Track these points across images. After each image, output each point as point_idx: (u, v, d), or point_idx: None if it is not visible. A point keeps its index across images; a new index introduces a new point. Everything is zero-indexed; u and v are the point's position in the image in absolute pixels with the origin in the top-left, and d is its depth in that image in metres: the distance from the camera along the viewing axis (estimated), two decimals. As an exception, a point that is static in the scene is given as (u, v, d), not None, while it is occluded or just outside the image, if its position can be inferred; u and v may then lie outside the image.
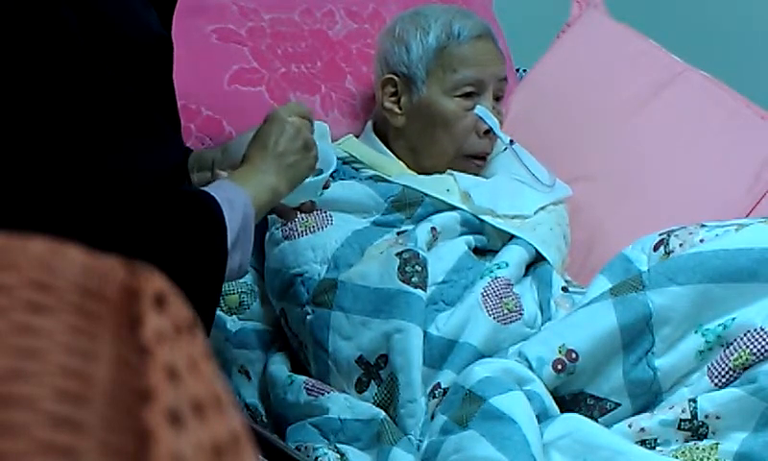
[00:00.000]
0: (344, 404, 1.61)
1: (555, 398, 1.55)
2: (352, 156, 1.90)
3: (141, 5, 1.24)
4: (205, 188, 1.33)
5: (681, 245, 1.61)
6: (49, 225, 1.11)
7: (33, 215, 1.12)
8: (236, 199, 1.32)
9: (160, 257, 1.19)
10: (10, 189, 1.12)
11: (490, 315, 1.65)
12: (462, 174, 1.87)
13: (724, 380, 1.49)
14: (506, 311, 1.66)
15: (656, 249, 1.64)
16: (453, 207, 1.81)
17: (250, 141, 1.46)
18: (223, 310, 1.76)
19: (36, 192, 1.13)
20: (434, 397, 1.59)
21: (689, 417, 1.48)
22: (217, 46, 1.97)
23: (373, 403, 1.61)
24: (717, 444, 1.47)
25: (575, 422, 1.50)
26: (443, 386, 1.59)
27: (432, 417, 1.57)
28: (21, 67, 1.11)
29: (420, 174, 1.89)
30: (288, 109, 1.49)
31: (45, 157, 1.12)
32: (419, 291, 1.63)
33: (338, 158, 1.75)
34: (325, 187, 1.52)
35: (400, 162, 1.91)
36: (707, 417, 1.48)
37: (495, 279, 1.69)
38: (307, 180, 1.46)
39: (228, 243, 1.27)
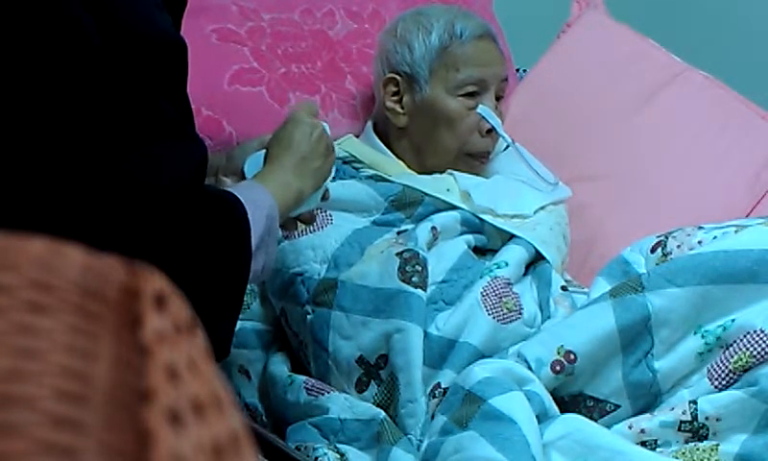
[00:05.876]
0: (344, 404, 1.61)
1: (554, 399, 1.55)
2: (352, 155, 1.90)
3: (157, 10, 1.24)
4: (231, 188, 1.32)
5: (678, 247, 1.61)
6: (68, 226, 1.11)
7: (52, 217, 1.12)
8: (261, 201, 1.32)
9: (184, 258, 1.19)
10: (28, 191, 1.12)
11: (489, 315, 1.65)
12: (462, 173, 1.88)
13: (724, 382, 1.49)
14: (505, 311, 1.66)
15: (653, 251, 1.64)
16: (453, 207, 1.82)
17: (271, 142, 1.47)
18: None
19: (58, 194, 1.12)
20: (434, 396, 1.59)
21: (690, 418, 1.48)
22: (217, 46, 1.97)
23: (374, 403, 1.61)
24: (717, 445, 1.47)
25: (575, 422, 1.50)
26: (443, 386, 1.59)
27: (432, 417, 1.57)
28: (37, 68, 1.11)
29: (420, 173, 1.89)
30: (307, 110, 1.50)
31: (65, 158, 1.12)
32: (419, 291, 1.63)
33: (338, 158, 1.76)
34: (324, 198, 1.52)
35: (400, 162, 1.91)
36: (707, 418, 1.48)
37: (495, 278, 1.69)
38: None
39: (252, 245, 1.27)
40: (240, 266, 1.28)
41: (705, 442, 1.48)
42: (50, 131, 1.12)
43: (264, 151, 1.51)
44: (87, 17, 1.14)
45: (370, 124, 1.98)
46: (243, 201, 1.28)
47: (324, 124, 1.53)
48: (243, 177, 1.50)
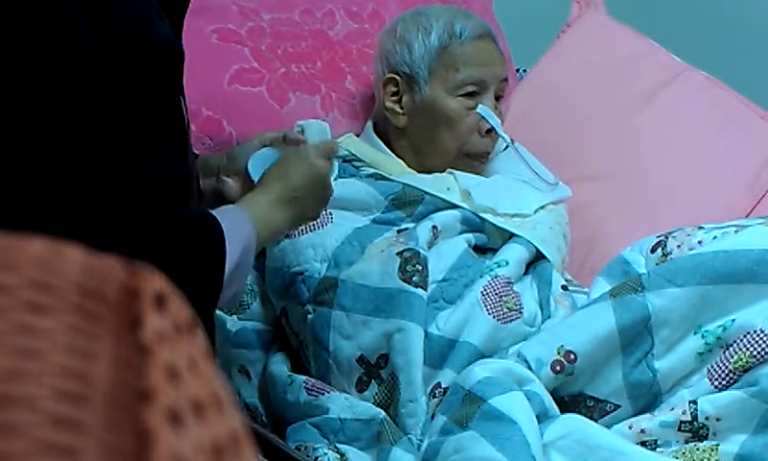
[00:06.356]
0: (344, 404, 1.61)
1: (554, 399, 1.55)
2: (353, 154, 1.90)
3: (156, 16, 1.24)
4: (214, 212, 1.31)
5: (678, 246, 1.61)
6: (37, 225, 1.10)
7: (27, 218, 1.12)
8: (241, 229, 1.30)
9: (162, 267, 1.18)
10: (22, 190, 1.12)
11: (489, 314, 1.65)
12: (462, 173, 1.88)
13: (724, 382, 1.49)
14: (506, 310, 1.66)
15: (653, 251, 1.64)
16: (454, 206, 1.82)
17: (273, 167, 1.45)
18: (223, 310, 1.76)
19: (27, 195, 1.12)
20: (434, 396, 1.59)
21: (690, 418, 1.48)
22: (217, 46, 1.97)
23: (374, 403, 1.62)
24: (717, 445, 1.47)
25: (575, 422, 1.50)
26: (443, 386, 1.59)
27: (432, 417, 1.57)
28: (31, 67, 1.11)
29: (420, 173, 1.89)
30: (322, 149, 1.48)
31: (45, 158, 1.12)
32: (419, 290, 1.63)
33: (338, 157, 1.76)
34: None
35: (401, 161, 1.91)
36: (707, 418, 1.48)
37: (495, 277, 1.69)
38: None
39: (224, 274, 1.26)
40: (209, 295, 1.26)
41: (705, 442, 1.48)
42: (43, 131, 1.12)
43: (267, 150, 1.52)
44: (83, 20, 1.14)
45: (370, 124, 1.98)
46: (223, 228, 1.27)
47: (325, 123, 1.52)
48: (245, 176, 1.49)
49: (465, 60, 1.87)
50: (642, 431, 1.50)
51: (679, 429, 1.49)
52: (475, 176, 1.89)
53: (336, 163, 1.53)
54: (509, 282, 1.70)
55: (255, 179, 1.46)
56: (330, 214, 1.76)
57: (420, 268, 1.65)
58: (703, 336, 1.51)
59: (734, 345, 1.49)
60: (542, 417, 1.50)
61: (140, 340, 0.39)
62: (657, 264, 1.61)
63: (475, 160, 1.91)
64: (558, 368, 1.54)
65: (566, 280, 1.81)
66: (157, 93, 1.23)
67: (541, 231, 1.83)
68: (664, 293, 1.52)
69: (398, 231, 1.77)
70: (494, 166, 1.95)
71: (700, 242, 1.58)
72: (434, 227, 1.76)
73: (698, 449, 1.48)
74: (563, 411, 1.54)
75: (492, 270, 1.71)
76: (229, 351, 1.75)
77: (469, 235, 1.80)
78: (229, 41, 1.99)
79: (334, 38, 2.09)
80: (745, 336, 1.48)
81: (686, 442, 1.49)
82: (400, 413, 1.59)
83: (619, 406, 1.54)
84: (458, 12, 1.95)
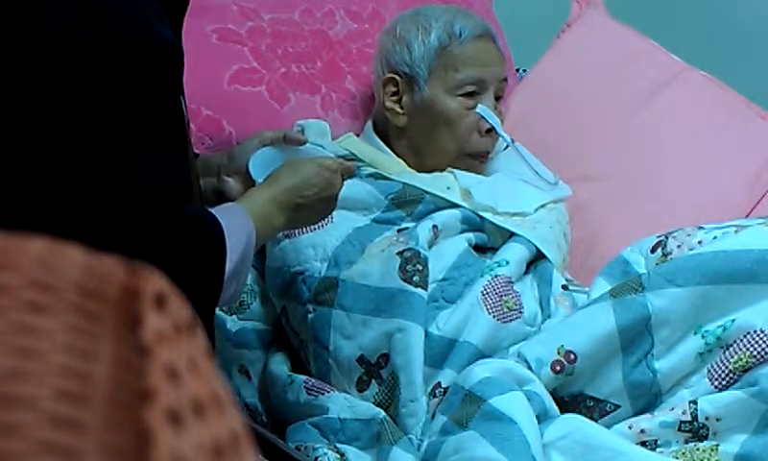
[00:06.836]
0: (344, 404, 1.61)
1: (554, 399, 1.55)
2: (353, 153, 1.90)
3: (155, 17, 1.24)
4: (215, 211, 1.31)
5: (678, 247, 1.61)
6: (38, 225, 1.11)
7: (29, 218, 1.12)
8: (241, 228, 1.31)
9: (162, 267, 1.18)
10: (10, 196, 1.12)
11: (489, 314, 1.65)
12: (462, 172, 1.87)
13: (724, 382, 1.49)
14: (506, 310, 1.66)
15: (653, 251, 1.64)
16: (454, 205, 1.82)
17: (284, 166, 1.45)
18: (223, 310, 1.76)
19: (30, 196, 1.13)
20: (434, 396, 1.59)
21: (690, 419, 1.48)
22: (217, 46, 1.97)
23: (374, 403, 1.62)
24: (717, 445, 1.47)
25: (575, 422, 1.50)
26: (443, 385, 1.59)
27: (432, 416, 1.57)
28: (31, 74, 1.11)
29: (420, 172, 1.89)
30: (343, 167, 1.48)
31: (46, 160, 1.13)
32: (420, 290, 1.63)
33: (338, 156, 1.76)
34: None
35: (401, 161, 1.91)
36: (707, 419, 1.48)
37: (495, 277, 1.69)
38: None
39: (225, 275, 1.26)
40: (210, 295, 1.26)
41: (705, 442, 1.48)
42: (46, 134, 1.12)
43: (268, 149, 1.52)
44: (87, 30, 1.14)
45: (370, 124, 1.98)
46: (224, 227, 1.27)
47: (324, 123, 1.53)
48: (246, 175, 1.50)
49: (464, 59, 1.87)
50: (642, 431, 1.50)
51: (679, 429, 1.49)
52: (476, 175, 1.89)
53: None
54: (509, 282, 1.70)
55: (257, 178, 1.47)
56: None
57: (421, 268, 1.65)
58: (703, 336, 1.51)
59: (734, 345, 1.49)
60: (542, 417, 1.50)
61: (140, 340, 0.39)
62: (657, 264, 1.61)
63: (475, 160, 1.91)
64: (558, 368, 1.54)
65: (567, 280, 1.81)
66: (158, 94, 1.23)
67: (542, 231, 1.83)
68: (664, 293, 1.52)
69: (399, 231, 1.77)
70: (495, 166, 1.95)
71: (700, 242, 1.58)
72: (434, 226, 1.76)
73: (698, 450, 1.48)
74: (563, 411, 1.54)
75: (492, 269, 1.71)
76: (229, 351, 1.75)
77: (470, 234, 1.80)
78: (229, 41, 1.99)
79: (334, 38, 2.08)
80: (745, 336, 1.48)
81: (686, 442, 1.49)
82: (400, 413, 1.59)
83: (619, 406, 1.54)
84: (458, 11, 1.95)
